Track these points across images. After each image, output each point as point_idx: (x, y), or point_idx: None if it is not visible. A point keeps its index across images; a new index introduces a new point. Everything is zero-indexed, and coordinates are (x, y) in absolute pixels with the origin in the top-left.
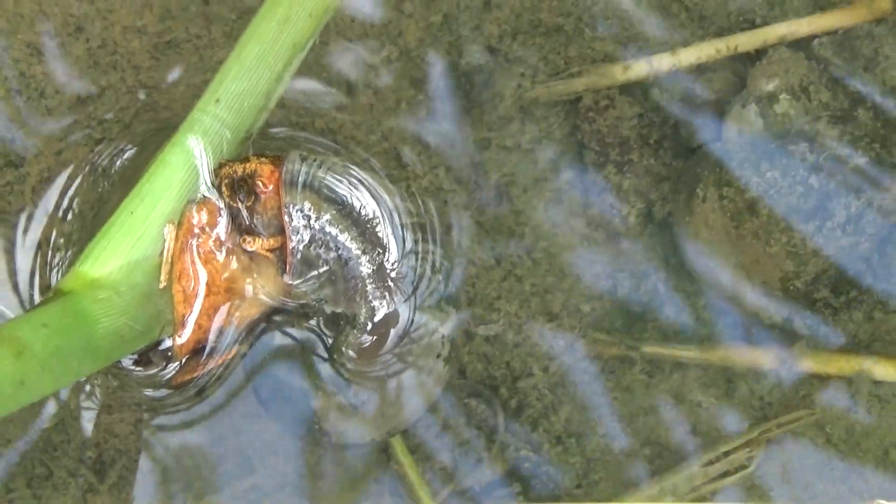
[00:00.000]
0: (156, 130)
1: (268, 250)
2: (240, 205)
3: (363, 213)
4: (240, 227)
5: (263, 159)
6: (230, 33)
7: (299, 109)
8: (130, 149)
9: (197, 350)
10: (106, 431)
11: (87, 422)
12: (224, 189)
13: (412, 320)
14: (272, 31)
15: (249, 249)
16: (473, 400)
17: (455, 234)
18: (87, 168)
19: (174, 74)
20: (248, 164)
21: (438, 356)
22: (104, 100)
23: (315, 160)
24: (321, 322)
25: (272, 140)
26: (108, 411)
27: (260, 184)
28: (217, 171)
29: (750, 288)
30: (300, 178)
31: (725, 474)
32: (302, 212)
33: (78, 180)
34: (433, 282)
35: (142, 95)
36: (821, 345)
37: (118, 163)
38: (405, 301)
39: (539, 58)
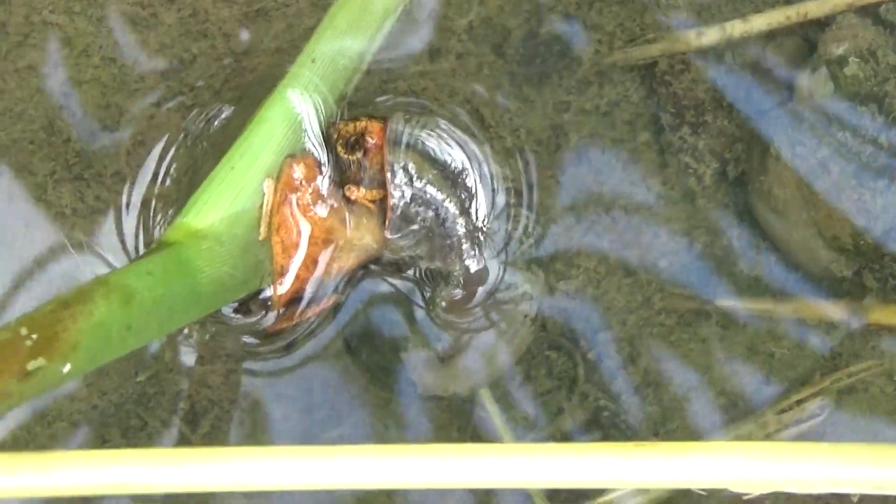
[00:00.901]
0: (246, 94)
1: (370, 201)
2: (350, 157)
3: (458, 170)
4: (344, 179)
5: (374, 118)
6: (317, 3)
7: (383, 73)
8: (227, 109)
9: (295, 299)
10: (199, 383)
11: (180, 374)
12: (339, 143)
13: (501, 277)
14: None
15: (352, 198)
16: (554, 352)
17: (537, 193)
18: (182, 134)
19: (264, 41)
20: (360, 122)
21: (526, 317)
22: (195, 67)
23: (418, 121)
24: (416, 275)
25: (364, 104)
26: (201, 362)
27: (369, 139)
28: (333, 126)
29: (821, 243)
30: (403, 139)
31: (798, 422)
32: (405, 170)
33: (174, 147)
34: (524, 242)
35: (231, 61)
36: (889, 298)
37: (215, 124)
38: (495, 257)
39: (615, 25)
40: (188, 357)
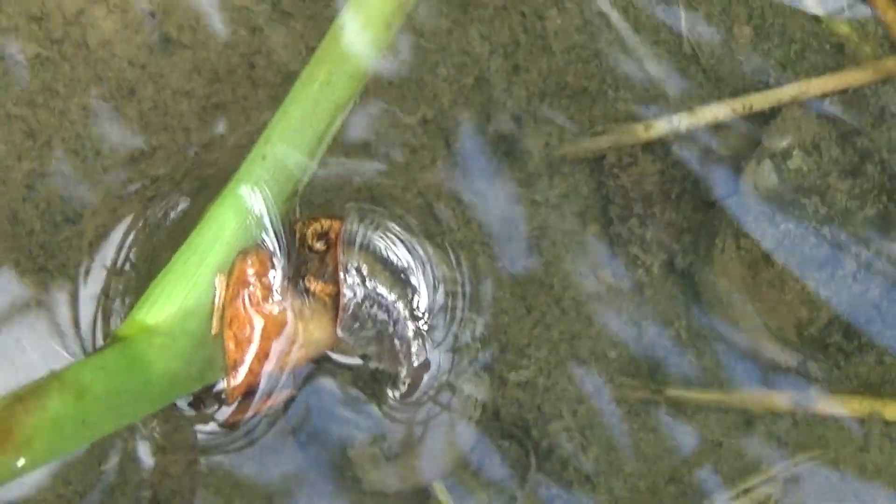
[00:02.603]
0: (206, 186)
1: (327, 295)
2: (314, 251)
3: (406, 270)
4: (304, 272)
5: (334, 218)
6: (275, 96)
7: (337, 168)
8: (184, 202)
9: (249, 393)
10: (161, 472)
11: (143, 464)
12: (308, 236)
13: (447, 370)
14: (315, 92)
15: (311, 288)
16: (507, 441)
17: (487, 285)
18: (142, 223)
19: (221, 134)
20: (324, 221)
21: (470, 419)
22: (156, 158)
23: (371, 221)
24: (364, 372)
25: (314, 200)
26: (163, 453)
27: (332, 236)
28: (296, 222)
29: (767, 333)
30: (357, 239)
31: None
32: (358, 271)
33: (132, 235)
34: (470, 345)
35: (191, 154)
36: (834, 388)
37: (172, 215)
38: (436, 348)
39: (566, 118)
40: (149, 447)
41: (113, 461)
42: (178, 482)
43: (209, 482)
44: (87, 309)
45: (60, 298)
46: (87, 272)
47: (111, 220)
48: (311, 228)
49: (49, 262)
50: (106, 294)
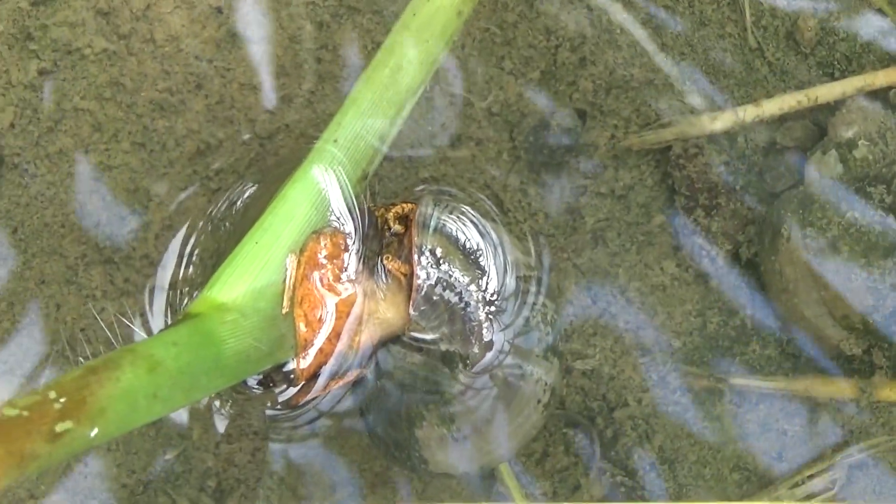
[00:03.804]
0: (271, 175)
1: (403, 274)
2: (394, 231)
3: (479, 254)
4: (381, 251)
5: (408, 202)
6: (340, 89)
7: (404, 159)
8: (250, 189)
9: (318, 372)
10: (226, 461)
11: (208, 452)
12: (392, 220)
13: (515, 360)
14: (385, 78)
15: (388, 267)
16: (572, 429)
17: (554, 275)
18: (207, 217)
19: (287, 125)
20: (405, 205)
21: (539, 402)
22: (221, 151)
23: (445, 206)
24: (433, 355)
25: (385, 188)
26: (228, 441)
27: (411, 218)
28: (383, 208)
29: (831, 322)
30: (431, 222)
31: (810, 496)
32: (432, 253)
33: (199, 228)
34: (541, 330)
35: (256, 145)
36: None
37: (238, 205)
38: (504, 331)
39: (631, 110)
40: (215, 435)
41: (178, 449)
42: (242, 470)
43: (273, 470)
44: (154, 301)
45: (127, 289)
46: (156, 264)
47: (176, 213)
48: (393, 211)
49: (115, 254)
50: (173, 286)
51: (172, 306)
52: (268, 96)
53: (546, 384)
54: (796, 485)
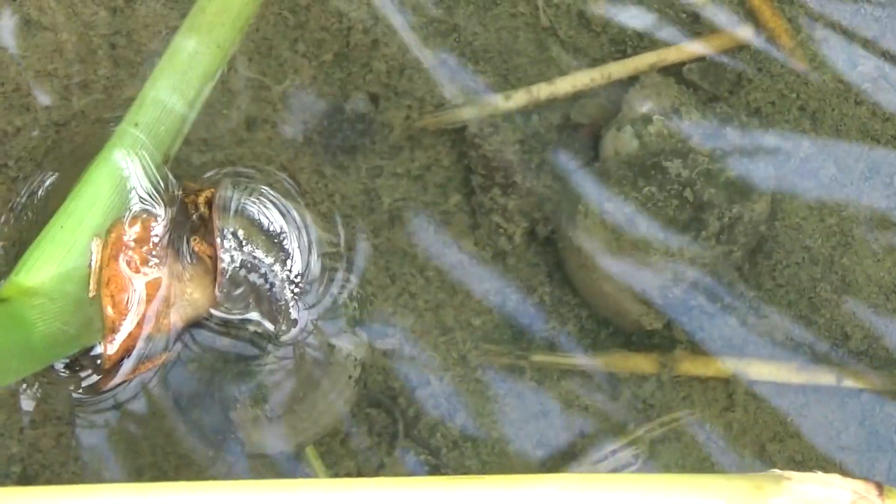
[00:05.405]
0: (71, 161)
1: (208, 256)
2: (201, 219)
3: (282, 235)
4: (187, 234)
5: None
6: (136, 74)
7: (199, 143)
8: (50, 177)
9: (127, 356)
10: (30, 446)
11: (12, 438)
12: (202, 204)
13: (317, 325)
14: (183, 63)
15: (195, 249)
16: (375, 409)
17: (354, 256)
18: (7, 208)
19: (82, 111)
20: (210, 190)
21: (350, 377)
22: (19, 139)
23: (245, 188)
24: (242, 336)
25: (186, 175)
26: (32, 426)
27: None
28: (179, 188)
29: (631, 296)
30: (231, 205)
31: (613, 471)
32: (235, 236)
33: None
34: (347, 306)
35: (53, 132)
36: (698, 349)
37: (39, 193)
38: (310, 308)
39: (425, 90)
40: (20, 421)
41: None
42: (47, 456)
43: (78, 455)
44: None
45: None
46: None
47: None
48: (203, 195)
49: None
50: None
51: None
52: (63, 83)
53: (356, 359)
54: (599, 460)
